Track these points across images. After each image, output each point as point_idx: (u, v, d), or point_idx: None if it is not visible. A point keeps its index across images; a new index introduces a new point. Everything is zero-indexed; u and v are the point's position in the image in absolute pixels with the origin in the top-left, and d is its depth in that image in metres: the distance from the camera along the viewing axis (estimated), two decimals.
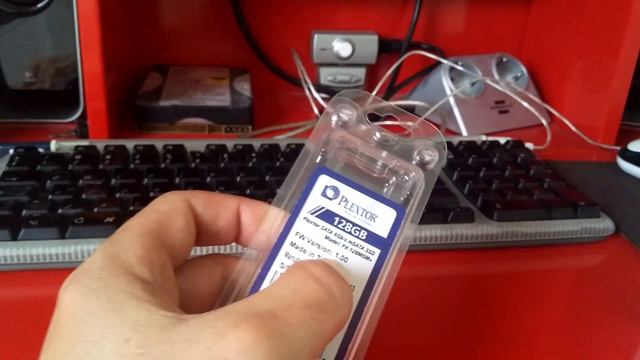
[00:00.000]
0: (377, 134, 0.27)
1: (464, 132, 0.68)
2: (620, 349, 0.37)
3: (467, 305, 0.40)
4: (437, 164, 0.27)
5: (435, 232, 0.44)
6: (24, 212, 0.41)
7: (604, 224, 0.48)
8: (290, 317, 0.19)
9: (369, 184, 0.26)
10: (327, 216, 0.25)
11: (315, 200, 0.25)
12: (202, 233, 0.25)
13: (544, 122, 0.68)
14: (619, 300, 0.41)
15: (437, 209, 0.45)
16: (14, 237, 0.39)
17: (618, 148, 0.63)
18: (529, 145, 0.60)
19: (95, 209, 0.42)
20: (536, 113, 0.69)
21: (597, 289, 0.43)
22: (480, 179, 0.52)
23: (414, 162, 0.27)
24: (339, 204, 0.25)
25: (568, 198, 0.49)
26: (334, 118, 0.27)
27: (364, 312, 0.24)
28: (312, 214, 0.25)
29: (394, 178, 0.26)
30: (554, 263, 0.46)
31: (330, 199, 0.25)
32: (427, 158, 0.27)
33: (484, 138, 0.60)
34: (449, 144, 0.57)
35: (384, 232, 0.25)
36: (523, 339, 0.37)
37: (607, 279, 0.44)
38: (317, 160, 0.26)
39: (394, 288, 0.41)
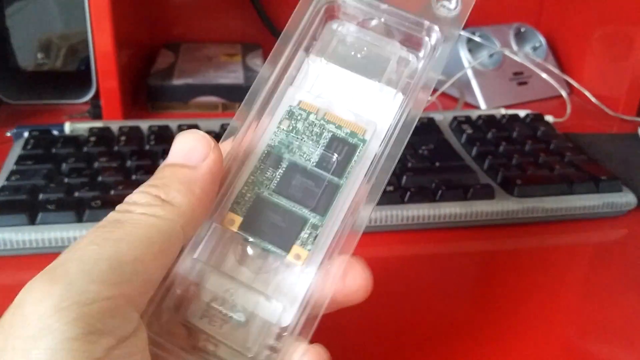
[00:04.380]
0: None
1: (482, 105, 0.67)
2: None
3: (488, 282, 0.40)
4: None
5: (455, 209, 0.44)
6: (40, 196, 0.41)
7: (626, 198, 0.47)
8: (80, 243, 0.20)
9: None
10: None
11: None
12: None
13: (564, 93, 0.66)
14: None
15: (456, 185, 0.45)
16: (32, 222, 0.39)
17: None
18: (549, 118, 0.59)
19: (112, 192, 0.42)
20: (555, 84, 0.67)
21: (619, 263, 0.42)
22: (500, 154, 0.51)
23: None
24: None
25: (589, 172, 0.48)
26: None
27: None
28: None
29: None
30: (575, 238, 0.46)
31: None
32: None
33: (503, 112, 0.59)
34: (467, 118, 0.56)
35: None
36: (544, 314, 0.36)
37: (628, 253, 0.43)
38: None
39: (412, 266, 0.41)
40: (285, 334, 0.23)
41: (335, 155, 0.25)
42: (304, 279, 0.24)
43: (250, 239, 0.24)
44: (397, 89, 0.26)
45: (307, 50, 0.27)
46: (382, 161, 0.25)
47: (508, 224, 0.45)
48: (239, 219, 0.24)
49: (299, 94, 0.26)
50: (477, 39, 0.69)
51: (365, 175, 0.25)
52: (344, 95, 0.26)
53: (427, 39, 0.26)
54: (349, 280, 0.24)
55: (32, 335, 0.17)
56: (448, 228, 0.44)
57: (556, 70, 0.70)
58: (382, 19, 0.27)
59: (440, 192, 0.44)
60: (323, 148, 0.25)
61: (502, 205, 0.44)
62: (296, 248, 0.24)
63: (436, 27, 0.26)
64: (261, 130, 0.25)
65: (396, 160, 0.25)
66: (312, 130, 0.25)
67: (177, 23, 0.77)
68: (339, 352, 0.28)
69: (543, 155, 0.50)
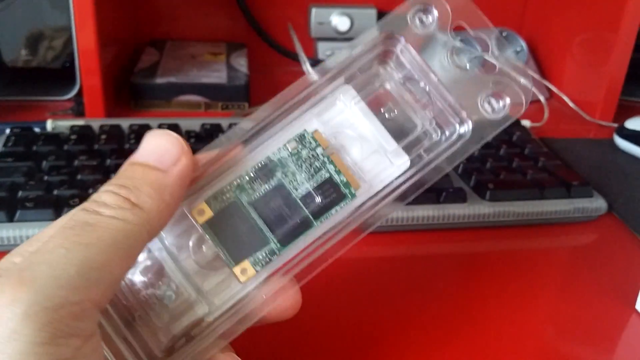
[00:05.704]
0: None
1: None
2: (610, 328, 0.37)
3: (458, 285, 0.41)
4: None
5: (428, 212, 0.45)
6: (20, 194, 0.41)
7: (596, 204, 0.48)
8: (48, 245, 0.20)
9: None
10: None
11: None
12: None
13: (542, 98, 0.68)
14: (609, 279, 0.42)
15: (429, 189, 0.45)
16: (10, 219, 0.40)
17: (616, 125, 0.63)
18: (526, 123, 0.60)
19: (90, 190, 0.42)
20: (533, 89, 0.68)
21: (588, 268, 0.43)
22: (474, 158, 0.52)
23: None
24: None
25: (561, 177, 0.49)
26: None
27: None
28: None
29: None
30: (546, 242, 0.47)
31: None
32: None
33: None
34: None
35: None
36: (514, 317, 0.37)
37: (598, 258, 0.44)
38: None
39: (385, 267, 0.42)
40: (204, 326, 0.24)
41: (321, 197, 0.25)
42: (240, 291, 0.25)
43: (209, 239, 0.25)
44: (409, 156, 0.26)
45: (346, 79, 0.26)
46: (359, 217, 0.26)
47: (480, 227, 0.46)
48: (209, 213, 0.25)
49: (317, 123, 0.26)
50: (457, 43, 0.70)
51: (335, 225, 0.26)
52: (357, 140, 0.26)
53: (457, 126, 0.27)
54: (280, 300, 0.25)
55: (0, 339, 0.18)
56: (420, 230, 0.45)
57: (535, 75, 0.71)
58: (427, 88, 0.27)
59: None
60: (315, 184, 0.25)
61: (474, 209, 0.45)
62: (246, 263, 0.25)
63: (470, 122, 0.26)
64: (268, 137, 0.26)
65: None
66: (313, 163, 0.25)
67: (164, 20, 0.77)
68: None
69: (517, 160, 0.51)
